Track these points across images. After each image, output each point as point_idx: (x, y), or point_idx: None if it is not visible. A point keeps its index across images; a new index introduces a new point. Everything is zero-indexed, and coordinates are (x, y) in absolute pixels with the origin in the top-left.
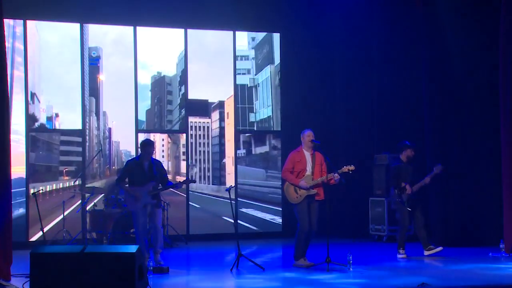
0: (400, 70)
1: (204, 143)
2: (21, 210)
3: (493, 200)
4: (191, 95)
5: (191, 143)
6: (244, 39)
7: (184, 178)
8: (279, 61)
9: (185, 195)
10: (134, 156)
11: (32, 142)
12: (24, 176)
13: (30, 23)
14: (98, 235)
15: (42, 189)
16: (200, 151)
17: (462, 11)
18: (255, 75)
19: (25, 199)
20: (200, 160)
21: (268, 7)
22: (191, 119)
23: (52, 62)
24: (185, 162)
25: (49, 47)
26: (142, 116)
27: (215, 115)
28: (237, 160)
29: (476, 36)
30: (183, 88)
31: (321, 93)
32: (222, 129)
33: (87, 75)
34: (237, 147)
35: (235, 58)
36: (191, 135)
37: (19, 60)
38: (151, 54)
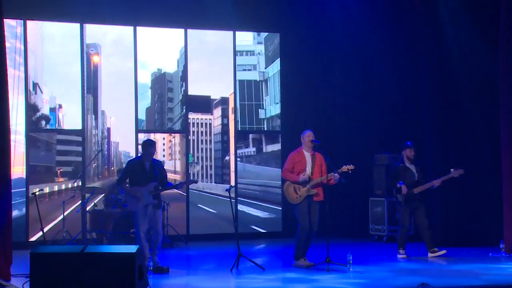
0: (400, 70)
1: (206, 141)
2: (22, 210)
3: (493, 200)
4: (193, 92)
5: (193, 140)
6: (249, 34)
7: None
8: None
9: (185, 195)
10: (135, 157)
11: (32, 142)
12: (24, 177)
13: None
14: (98, 235)
15: (42, 189)
16: (202, 149)
17: (462, 11)
18: (265, 68)
19: (25, 199)
20: (202, 158)
21: (268, 7)
22: (193, 116)
23: (55, 53)
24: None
25: (53, 38)
26: (142, 114)
27: (217, 111)
28: (237, 159)
29: (476, 36)
30: (184, 84)
31: (321, 93)
32: (224, 126)
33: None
34: (236, 146)
35: (235, 57)
36: (193, 132)
37: (19, 60)
38: (151, 51)
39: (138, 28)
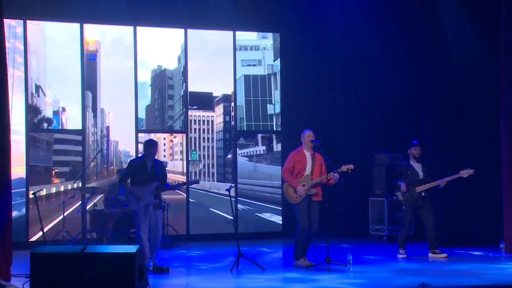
0: (400, 70)
1: (208, 138)
2: (22, 211)
3: (493, 200)
4: (194, 90)
5: (195, 138)
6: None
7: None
8: None
9: (185, 195)
10: (137, 156)
11: (32, 142)
12: (24, 177)
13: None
14: (98, 235)
15: (42, 189)
16: (204, 147)
17: (462, 11)
18: (274, 61)
19: (25, 199)
20: (204, 156)
21: (268, 7)
22: (194, 113)
23: (58, 55)
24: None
25: (56, 40)
26: (142, 113)
27: (219, 109)
28: (236, 158)
29: (476, 36)
30: (184, 84)
31: (321, 93)
32: (226, 123)
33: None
34: (236, 145)
35: (235, 57)
36: (195, 129)
37: (20, 60)
38: (151, 49)
39: (138, 28)
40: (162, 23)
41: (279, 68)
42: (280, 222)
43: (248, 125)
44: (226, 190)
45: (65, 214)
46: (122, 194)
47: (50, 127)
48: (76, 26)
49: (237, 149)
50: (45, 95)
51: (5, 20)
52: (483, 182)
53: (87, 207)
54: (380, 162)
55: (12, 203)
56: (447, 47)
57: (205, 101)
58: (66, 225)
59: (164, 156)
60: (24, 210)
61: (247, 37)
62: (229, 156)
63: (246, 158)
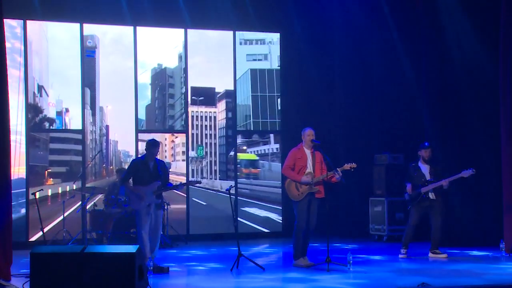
0: (400, 70)
1: (210, 135)
2: (22, 211)
3: (493, 200)
4: (197, 85)
5: (196, 134)
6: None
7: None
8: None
9: (185, 195)
10: (139, 156)
11: (32, 142)
12: (24, 177)
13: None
14: (98, 235)
15: (42, 190)
16: (206, 144)
17: (462, 11)
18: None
19: (25, 199)
20: (206, 153)
21: (268, 7)
22: (196, 109)
23: (61, 56)
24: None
25: (58, 41)
26: (142, 112)
27: (222, 105)
28: (236, 158)
29: (476, 36)
30: (185, 81)
31: (321, 92)
32: (229, 120)
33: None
34: (236, 146)
35: (235, 57)
36: (196, 125)
37: (20, 60)
38: (151, 48)
39: (138, 28)
40: (162, 23)
41: (279, 68)
42: (280, 222)
43: (255, 122)
44: (226, 190)
45: (65, 214)
46: (122, 194)
47: (52, 127)
48: (78, 26)
49: (245, 147)
50: (47, 95)
51: (5, 20)
52: (483, 182)
53: (87, 207)
54: (380, 162)
55: (12, 203)
56: (447, 47)
57: (207, 96)
58: (66, 225)
59: (165, 156)
60: (24, 210)
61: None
62: (232, 153)
63: (258, 158)
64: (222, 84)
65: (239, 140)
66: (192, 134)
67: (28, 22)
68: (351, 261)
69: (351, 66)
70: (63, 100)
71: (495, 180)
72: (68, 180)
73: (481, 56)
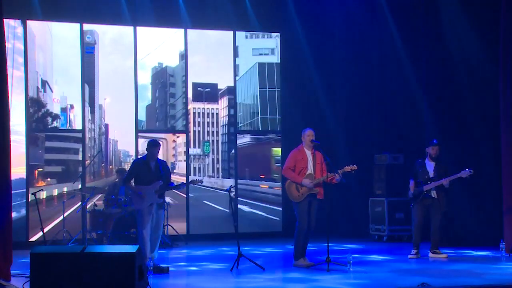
0: (400, 70)
1: (212, 132)
2: (22, 211)
3: (493, 200)
4: (198, 86)
5: (198, 131)
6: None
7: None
8: None
9: (185, 196)
10: (140, 156)
11: (33, 141)
12: (24, 177)
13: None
14: (98, 235)
15: (43, 190)
16: (208, 141)
17: (462, 11)
18: None
19: (25, 199)
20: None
21: (268, 7)
22: (198, 106)
23: (66, 55)
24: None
25: (62, 39)
26: (142, 113)
27: (224, 102)
28: (237, 155)
29: (476, 36)
30: (185, 80)
31: (321, 92)
32: (231, 117)
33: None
34: (236, 146)
35: (235, 57)
36: (198, 122)
37: (20, 60)
38: (152, 47)
39: (138, 28)
40: (162, 23)
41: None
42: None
43: (264, 119)
44: (226, 190)
45: (65, 215)
46: (122, 194)
47: (55, 122)
48: (78, 26)
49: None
50: (52, 90)
51: (5, 20)
52: (483, 182)
53: (87, 207)
54: (380, 162)
55: (12, 203)
56: (447, 47)
57: (209, 92)
58: (66, 225)
59: (171, 155)
60: (24, 211)
61: None
62: (233, 151)
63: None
64: (224, 81)
65: (248, 139)
66: (194, 131)
67: (28, 22)
68: (351, 261)
69: (351, 66)
70: (68, 97)
71: (495, 180)
72: (65, 180)
73: (481, 56)
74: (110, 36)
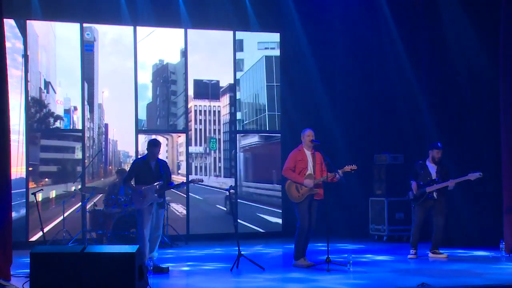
0: (400, 70)
1: (214, 130)
2: (22, 211)
3: (493, 200)
4: (200, 83)
5: (200, 129)
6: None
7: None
8: None
9: (185, 195)
10: (140, 156)
11: (32, 140)
12: (24, 177)
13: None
14: (98, 235)
15: (43, 190)
16: (214, 137)
17: (462, 11)
18: None
19: (25, 199)
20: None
21: (268, 7)
22: (200, 103)
23: (67, 56)
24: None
25: (64, 39)
26: (143, 112)
27: (225, 99)
28: (237, 157)
29: (476, 36)
30: (185, 80)
31: (321, 92)
32: (232, 115)
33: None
34: (236, 146)
35: (235, 57)
36: (200, 120)
37: (21, 60)
38: (152, 44)
39: (138, 27)
40: (162, 23)
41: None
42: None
43: (271, 116)
44: (226, 190)
45: (65, 215)
46: (122, 194)
47: (57, 123)
48: (78, 26)
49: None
50: (55, 92)
51: (5, 20)
52: (483, 182)
53: (87, 207)
54: (380, 162)
55: (12, 203)
56: (447, 47)
57: (211, 89)
58: (66, 225)
59: (167, 157)
60: (24, 211)
61: None
62: (234, 151)
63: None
64: (226, 78)
65: (256, 138)
66: (196, 129)
67: (28, 22)
68: (351, 261)
69: (351, 66)
70: (70, 99)
71: (495, 180)
72: (60, 180)
73: (481, 56)
74: (110, 36)
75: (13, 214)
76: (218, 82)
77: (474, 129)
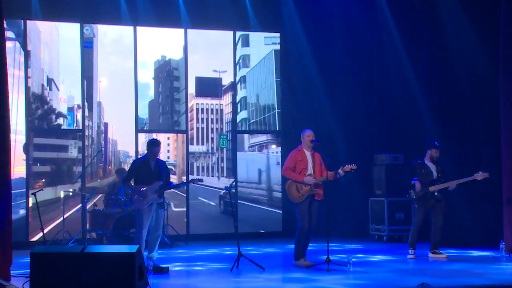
0: (400, 70)
1: (217, 129)
2: (22, 211)
3: (493, 200)
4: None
5: (202, 128)
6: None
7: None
8: None
9: (185, 195)
10: (140, 156)
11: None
12: (24, 177)
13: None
14: (98, 235)
15: (43, 190)
16: (212, 138)
17: (462, 11)
18: None
19: (25, 199)
20: (212, 148)
21: (268, 7)
22: (202, 101)
23: (70, 54)
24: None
25: (67, 39)
26: (145, 111)
27: (227, 97)
28: (236, 158)
29: (476, 36)
30: (185, 80)
31: (321, 92)
32: (235, 113)
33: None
34: (236, 146)
35: (235, 57)
36: (202, 119)
37: (21, 59)
38: (155, 41)
39: (138, 27)
40: (162, 23)
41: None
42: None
43: (279, 113)
44: (226, 189)
45: (66, 216)
46: (122, 194)
47: (59, 120)
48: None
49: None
50: (58, 89)
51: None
52: (483, 182)
53: (87, 207)
54: (380, 162)
55: (12, 203)
56: (447, 47)
57: (213, 87)
58: (66, 225)
59: (168, 157)
60: (24, 211)
61: None
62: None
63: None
64: (228, 76)
65: (265, 137)
66: (197, 128)
67: (28, 22)
68: (351, 261)
69: (351, 66)
70: (74, 97)
71: (495, 180)
72: (55, 182)
73: (481, 56)
74: (110, 36)
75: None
76: (220, 79)
77: (474, 129)
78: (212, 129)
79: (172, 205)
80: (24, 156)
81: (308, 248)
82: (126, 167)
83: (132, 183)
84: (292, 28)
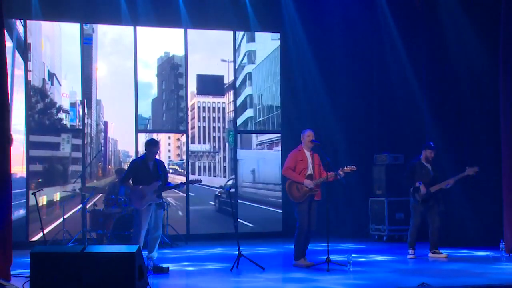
0: (400, 70)
1: (219, 128)
2: (22, 211)
3: (493, 200)
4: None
5: (203, 127)
6: None
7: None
8: None
9: (186, 195)
10: (139, 156)
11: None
12: (24, 177)
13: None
14: (98, 235)
15: (43, 190)
16: (214, 138)
17: (462, 11)
18: None
19: (25, 199)
20: (214, 148)
21: (268, 7)
22: (203, 99)
23: (72, 52)
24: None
25: (71, 36)
26: (147, 109)
27: (229, 96)
28: (236, 158)
29: (476, 36)
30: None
31: (321, 92)
32: (236, 112)
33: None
34: (236, 146)
35: (235, 56)
36: (203, 118)
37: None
38: (157, 38)
39: (138, 27)
40: (162, 23)
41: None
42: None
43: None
44: (226, 189)
45: (66, 216)
46: (122, 194)
47: (61, 115)
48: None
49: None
50: (60, 84)
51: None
52: (483, 182)
53: (87, 207)
54: (380, 162)
55: (12, 203)
56: (447, 47)
57: (215, 85)
58: (66, 225)
59: (169, 157)
60: (24, 211)
61: None
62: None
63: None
64: (230, 74)
65: (272, 136)
66: (199, 127)
67: (28, 22)
68: (351, 261)
69: (351, 66)
70: (76, 92)
71: (495, 180)
72: (49, 183)
73: (481, 56)
74: (110, 36)
75: (13, 214)
76: (222, 76)
77: (474, 129)
78: (214, 127)
79: (179, 213)
80: (24, 156)
81: (308, 248)
82: (126, 167)
83: (130, 182)
84: (292, 28)
